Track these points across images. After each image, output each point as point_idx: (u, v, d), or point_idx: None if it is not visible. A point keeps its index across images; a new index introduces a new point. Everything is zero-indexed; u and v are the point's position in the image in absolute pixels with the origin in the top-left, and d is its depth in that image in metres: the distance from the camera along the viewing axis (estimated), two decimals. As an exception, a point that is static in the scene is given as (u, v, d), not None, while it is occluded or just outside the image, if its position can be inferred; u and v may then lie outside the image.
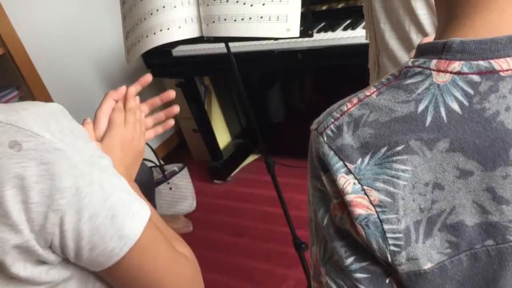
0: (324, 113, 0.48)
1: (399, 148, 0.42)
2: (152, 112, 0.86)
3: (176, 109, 0.85)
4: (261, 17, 1.12)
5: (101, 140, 0.73)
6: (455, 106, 0.41)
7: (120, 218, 0.56)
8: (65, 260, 0.57)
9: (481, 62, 0.41)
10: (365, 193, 0.43)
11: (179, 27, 1.17)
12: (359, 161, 0.43)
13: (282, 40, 1.86)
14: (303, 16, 1.12)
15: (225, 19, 1.15)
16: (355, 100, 0.46)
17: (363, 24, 1.56)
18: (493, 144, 0.40)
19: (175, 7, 1.16)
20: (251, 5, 1.12)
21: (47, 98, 2.14)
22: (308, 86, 2.48)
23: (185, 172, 2.41)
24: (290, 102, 2.56)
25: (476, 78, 0.41)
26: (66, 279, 0.58)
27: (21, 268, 0.53)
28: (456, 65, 0.41)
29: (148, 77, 0.84)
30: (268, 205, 2.24)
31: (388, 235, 0.43)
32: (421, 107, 0.42)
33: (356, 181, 0.43)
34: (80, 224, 0.53)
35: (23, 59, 2.05)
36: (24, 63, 2.05)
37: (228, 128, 2.73)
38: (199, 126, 2.57)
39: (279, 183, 1.45)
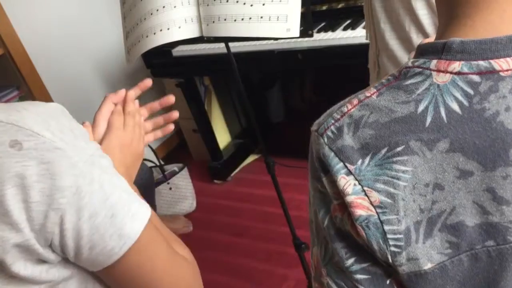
0: (325, 115, 0.48)
1: (399, 148, 0.42)
2: (152, 116, 0.86)
3: (175, 114, 0.86)
4: (261, 17, 1.12)
5: (100, 142, 0.73)
6: (455, 106, 0.41)
7: (120, 217, 0.57)
8: (65, 260, 0.57)
9: (481, 62, 0.41)
10: (366, 194, 0.43)
11: (179, 27, 1.17)
12: (360, 162, 0.43)
13: (282, 40, 1.86)
14: (303, 16, 1.12)
15: (225, 19, 1.15)
16: (355, 101, 0.46)
17: (363, 24, 1.56)
18: (493, 144, 0.40)
19: (175, 7, 1.16)
20: (251, 5, 1.12)
21: (47, 98, 2.14)
22: (308, 86, 2.48)
23: (185, 172, 2.41)
24: (290, 102, 2.56)
25: (476, 78, 0.41)
26: (66, 279, 0.58)
27: (22, 267, 0.53)
28: (456, 65, 0.41)
29: (147, 82, 0.84)
30: (268, 205, 2.24)
31: (388, 236, 0.43)
32: (421, 108, 0.42)
33: (356, 182, 0.43)
34: (80, 223, 0.53)
35: (23, 59, 2.05)
36: (24, 63, 2.05)
37: (228, 128, 2.73)
38: (199, 126, 2.57)
39: (279, 183, 1.45)
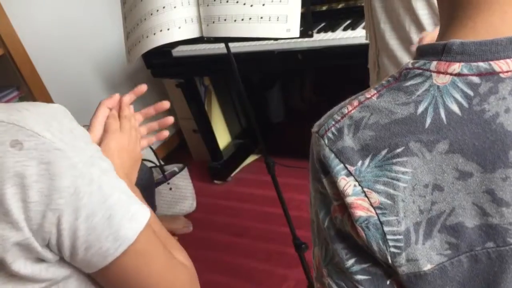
0: (325, 116, 0.48)
1: (399, 150, 0.42)
2: (147, 121, 0.87)
3: (170, 120, 0.86)
4: (261, 18, 1.12)
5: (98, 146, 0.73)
6: (454, 108, 0.41)
7: (118, 219, 0.56)
8: (63, 259, 0.57)
9: (481, 64, 0.41)
10: (366, 195, 0.43)
11: (179, 28, 1.17)
12: (360, 163, 0.43)
13: (282, 41, 1.86)
14: (303, 16, 1.12)
15: (225, 20, 1.15)
16: (355, 103, 0.46)
17: (363, 24, 1.56)
18: (493, 146, 0.40)
19: (175, 7, 1.17)
20: (251, 6, 1.12)
21: (47, 99, 2.14)
22: (308, 86, 2.48)
23: (185, 173, 2.41)
24: (290, 102, 2.56)
25: (475, 79, 0.41)
26: (66, 278, 0.58)
27: (22, 265, 0.53)
28: (456, 67, 0.41)
29: (143, 87, 0.85)
30: (268, 205, 2.24)
31: (388, 237, 0.43)
32: (420, 109, 0.42)
33: (356, 183, 0.43)
34: (77, 223, 0.54)
35: (23, 59, 2.05)
36: (24, 64, 2.05)
37: (228, 128, 2.73)
38: (199, 126, 2.57)
39: (279, 183, 1.45)
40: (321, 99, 2.40)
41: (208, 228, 2.29)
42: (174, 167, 2.41)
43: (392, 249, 0.43)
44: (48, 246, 0.54)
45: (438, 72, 0.42)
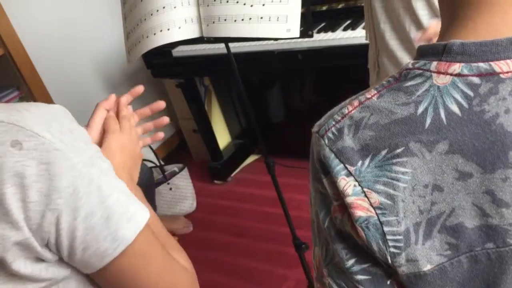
0: (325, 116, 0.48)
1: (399, 150, 0.42)
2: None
3: (165, 120, 0.86)
4: (261, 18, 1.12)
5: (99, 147, 0.73)
6: (454, 108, 0.41)
7: (116, 219, 0.56)
8: (62, 259, 0.57)
9: (481, 64, 0.41)
10: (365, 195, 0.43)
11: (179, 28, 1.17)
12: (360, 163, 0.43)
13: (282, 41, 1.86)
14: (303, 16, 1.12)
15: (225, 20, 1.15)
16: (356, 103, 0.46)
17: (363, 24, 1.56)
18: (493, 147, 0.40)
19: (175, 7, 1.17)
20: (251, 6, 1.12)
21: (47, 99, 2.14)
22: (308, 87, 2.48)
23: (185, 173, 2.42)
24: (290, 103, 2.56)
25: (476, 80, 0.41)
26: (66, 278, 0.58)
27: (22, 265, 0.53)
28: (456, 67, 0.41)
29: (139, 89, 0.85)
30: (268, 205, 2.24)
31: (388, 237, 0.43)
32: (420, 109, 0.42)
33: (356, 183, 0.43)
34: (75, 223, 0.54)
35: (23, 59, 2.05)
36: (25, 64, 2.05)
37: (228, 128, 2.73)
38: (199, 127, 2.57)
39: (279, 183, 1.45)
40: (321, 99, 2.40)
41: (208, 228, 2.29)
42: (174, 167, 2.41)
43: (392, 249, 0.43)
44: (47, 246, 0.54)
45: (438, 73, 0.42)
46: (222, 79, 2.61)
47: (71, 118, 0.59)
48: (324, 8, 1.99)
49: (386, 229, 0.43)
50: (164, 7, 1.16)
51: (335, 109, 0.48)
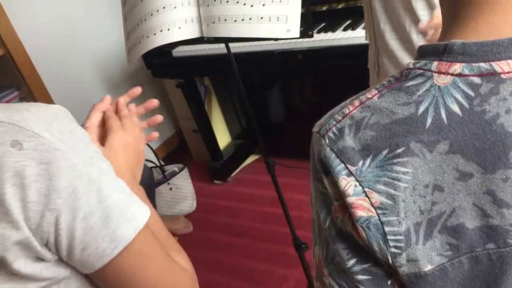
0: (326, 116, 0.48)
1: (399, 150, 0.42)
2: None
3: (159, 118, 0.86)
4: (261, 18, 1.12)
5: (102, 145, 0.73)
6: (455, 108, 0.41)
7: (115, 219, 0.56)
8: (62, 259, 0.58)
9: (482, 64, 0.41)
10: (366, 195, 0.43)
11: (180, 28, 1.18)
12: (360, 163, 0.43)
13: (282, 41, 1.86)
14: (303, 16, 1.12)
15: (225, 20, 1.15)
16: (356, 103, 0.46)
17: (363, 24, 1.56)
18: (493, 147, 0.40)
19: (175, 7, 1.17)
20: (251, 6, 1.12)
21: (47, 99, 2.14)
22: (308, 87, 2.48)
23: (185, 173, 2.41)
24: (290, 103, 2.56)
25: (477, 80, 0.41)
26: (67, 277, 0.58)
27: (22, 264, 0.53)
28: (457, 67, 0.41)
29: (137, 90, 0.85)
30: (268, 205, 2.24)
31: (389, 237, 0.43)
32: (421, 109, 0.42)
33: (357, 183, 0.43)
34: (74, 223, 0.54)
35: (23, 59, 2.05)
36: (25, 64, 2.05)
37: (228, 128, 2.73)
38: (199, 127, 2.57)
39: (279, 183, 1.45)
40: (321, 99, 2.40)
41: (208, 228, 2.29)
42: (174, 167, 2.41)
43: (393, 249, 0.43)
44: (46, 245, 0.55)
45: (439, 73, 0.42)
46: (222, 79, 2.61)
47: (71, 118, 0.60)
48: (324, 8, 2.00)
49: (387, 229, 0.43)
50: (164, 7, 1.16)
51: (336, 109, 0.48)
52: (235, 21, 1.14)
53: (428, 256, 0.43)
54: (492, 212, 0.41)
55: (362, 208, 0.43)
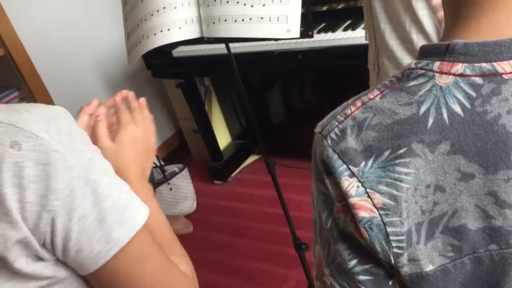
0: (328, 116, 0.48)
1: (401, 151, 0.42)
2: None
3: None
4: (262, 18, 1.12)
5: (113, 139, 0.73)
6: (457, 108, 0.41)
7: (110, 222, 0.56)
8: (59, 259, 0.58)
9: (484, 65, 0.41)
10: (369, 196, 0.43)
11: (180, 28, 1.18)
12: (363, 164, 0.43)
13: (283, 41, 1.86)
14: (303, 16, 1.12)
15: (225, 20, 1.15)
16: (358, 103, 0.46)
17: (363, 24, 1.56)
18: (495, 147, 0.40)
19: (175, 8, 1.17)
20: (251, 6, 1.12)
21: (47, 99, 2.14)
22: (308, 87, 2.48)
23: (185, 173, 2.41)
24: (290, 103, 2.56)
25: (478, 80, 0.41)
26: (67, 277, 0.58)
27: (24, 263, 0.53)
28: (459, 67, 0.41)
29: (129, 94, 0.83)
30: (268, 205, 2.24)
31: (391, 237, 0.43)
32: (423, 109, 0.42)
33: (359, 184, 0.43)
34: (70, 225, 0.54)
35: (23, 60, 2.05)
36: (25, 64, 2.05)
37: (228, 128, 2.73)
38: (199, 127, 2.57)
39: (279, 183, 1.45)
40: (321, 99, 2.40)
41: (208, 229, 2.29)
42: (174, 167, 2.41)
43: (395, 250, 0.43)
44: (44, 245, 0.55)
45: (441, 73, 0.42)
46: (222, 79, 2.61)
47: (71, 119, 0.59)
48: (324, 8, 2.00)
49: (389, 229, 0.43)
50: (164, 8, 1.16)
51: (338, 110, 0.48)
52: (235, 21, 1.14)
53: (429, 256, 0.43)
54: (494, 213, 0.41)
55: (365, 208, 0.43)
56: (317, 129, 0.48)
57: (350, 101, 0.48)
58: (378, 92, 0.45)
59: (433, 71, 0.42)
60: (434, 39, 1.03)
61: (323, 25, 1.94)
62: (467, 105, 0.41)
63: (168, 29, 1.17)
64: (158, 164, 2.36)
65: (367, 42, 1.25)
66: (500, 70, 0.40)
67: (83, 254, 0.56)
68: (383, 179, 0.43)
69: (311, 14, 1.28)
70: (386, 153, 0.43)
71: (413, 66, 0.44)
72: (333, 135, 0.45)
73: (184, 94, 2.43)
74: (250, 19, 1.13)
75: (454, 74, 0.41)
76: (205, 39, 1.20)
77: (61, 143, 0.54)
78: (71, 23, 2.37)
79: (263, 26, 1.12)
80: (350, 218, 0.45)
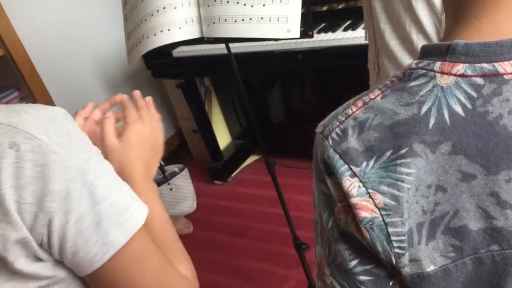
0: (329, 116, 0.48)
1: (403, 151, 0.42)
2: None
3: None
4: (262, 18, 1.12)
5: (119, 137, 0.74)
6: (458, 109, 0.41)
7: (106, 224, 0.56)
8: (57, 260, 0.57)
9: (485, 65, 0.40)
10: (370, 196, 0.43)
11: (180, 28, 1.18)
12: (364, 164, 0.43)
13: (283, 41, 1.86)
14: (304, 16, 1.12)
15: (225, 20, 1.15)
16: (360, 103, 0.46)
17: (363, 24, 1.56)
18: (496, 148, 0.40)
19: (175, 8, 1.17)
20: (252, 6, 1.12)
21: (47, 99, 2.14)
22: (308, 87, 2.48)
23: (185, 173, 2.41)
24: (290, 103, 2.57)
25: (479, 80, 0.41)
26: (66, 278, 0.58)
27: (23, 263, 0.54)
28: (460, 68, 0.41)
29: (120, 98, 0.82)
30: (268, 205, 2.24)
31: (392, 238, 0.43)
32: (424, 109, 0.42)
33: (361, 184, 0.43)
34: (66, 227, 0.54)
35: (23, 60, 2.05)
36: (25, 64, 2.05)
37: (228, 128, 2.73)
38: (199, 127, 2.57)
39: (279, 183, 1.45)
40: (321, 99, 2.40)
41: (208, 229, 2.29)
42: (174, 168, 2.41)
43: (396, 250, 0.43)
44: (41, 245, 0.55)
45: (442, 73, 0.42)
46: (222, 80, 2.61)
47: (70, 120, 0.59)
48: (325, 8, 2.00)
49: (390, 230, 0.43)
50: (164, 8, 1.17)
51: (339, 110, 0.48)
52: (235, 21, 1.14)
53: (431, 256, 0.43)
54: (496, 214, 0.41)
55: (366, 209, 0.43)
56: (318, 129, 0.48)
57: (351, 101, 0.48)
58: (379, 92, 0.45)
59: (434, 71, 0.42)
60: (434, 39, 1.03)
61: (323, 25, 1.94)
62: (468, 105, 0.41)
63: (168, 29, 1.17)
64: (158, 164, 2.36)
65: (367, 42, 1.25)
66: (501, 70, 0.40)
67: (80, 255, 0.55)
68: (384, 179, 0.43)
69: (311, 14, 1.28)
70: (388, 153, 0.43)
71: (414, 66, 0.44)
72: (334, 135, 0.45)
73: (184, 94, 2.43)
74: (250, 19, 1.13)
75: (455, 75, 0.41)
76: (205, 39, 1.20)
77: (59, 145, 0.54)
78: (71, 23, 2.37)
79: (263, 26, 1.12)
80: (351, 218, 0.45)
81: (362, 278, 0.46)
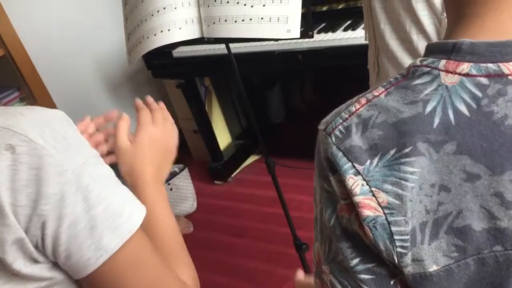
0: (332, 114, 0.48)
1: (407, 150, 0.42)
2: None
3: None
4: (262, 18, 1.12)
5: (131, 139, 0.74)
6: (463, 109, 0.41)
7: (100, 229, 0.55)
8: (53, 262, 0.57)
9: (490, 65, 0.40)
10: (373, 195, 0.43)
11: (180, 28, 1.18)
12: (368, 162, 0.43)
13: (283, 41, 1.87)
14: (304, 17, 1.13)
15: (225, 20, 1.15)
16: (363, 101, 0.46)
17: (363, 24, 1.56)
18: (501, 148, 0.40)
19: (175, 8, 1.17)
20: (252, 6, 1.12)
21: (48, 99, 2.14)
22: (308, 87, 2.48)
23: (185, 173, 2.42)
24: (290, 103, 2.57)
25: (484, 80, 0.40)
26: (64, 280, 0.58)
27: (22, 265, 0.53)
28: (465, 67, 0.41)
29: (113, 113, 0.82)
30: (268, 205, 2.24)
31: (395, 237, 0.43)
32: (428, 108, 0.42)
33: (364, 183, 0.43)
34: (60, 230, 0.53)
35: (23, 60, 2.05)
36: (25, 64, 2.05)
37: (228, 128, 2.74)
38: (199, 127, 2.57)
39: (279, 183, 1.45)
40: (321, 100, 2.40)
41: (209, 229, 2.30)
42: (174, 168, 2.41)
43: (399, 249, 0.43)
44: (37, 248, 0.55)
45: (447, 71, 0.42)
46: (222, 80, 2.61)
47: (68, 123, 0.59)
48: (325, 8, 2.00)
49: (393, 229, 0.43)
50: (164, 8, 1.17)
51: (342, 107, 0.47)
52: (236, 21, 1.14)
53: (433, 256, 0.43)
54: (499, 214, 0.41)
55: (369, 207, 0.43)
56: (321, 126, 0.47)
57: (354, 98, 0.47)
58: (383, 90, 0.45)
59: (439, 70, 0.42)
60: (434, 39, 1.03)
61: (323, 25, 1.94)
62: (473, 105, 0.41)
63: (169, 30, 1.17)
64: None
65: (367, 42, 1.25)
66: (505, 71, 0.40)
67: (74, 259, 0.55)
68: (388, 178, 0.43)
69: (311, 14, 1.28)
70: (392, 152, 0.42)
71: (418, 63, 0.44)
72: (337, 133, 0.45)
73: (184, 94, 2.43)
74: (250, 19, 1.13)
75: (460, 74, 0.41)
76: (205, 39, 1.20)
77: (55, 148, 0.53)
78: (71, 23, 2.37)
79: (263, 27, 1.12)
80: (354, 216, 0.45)
81: (363, 276, 0.46)
